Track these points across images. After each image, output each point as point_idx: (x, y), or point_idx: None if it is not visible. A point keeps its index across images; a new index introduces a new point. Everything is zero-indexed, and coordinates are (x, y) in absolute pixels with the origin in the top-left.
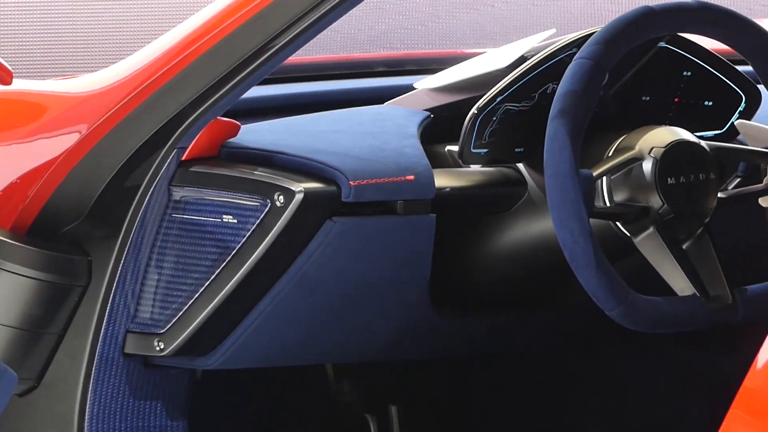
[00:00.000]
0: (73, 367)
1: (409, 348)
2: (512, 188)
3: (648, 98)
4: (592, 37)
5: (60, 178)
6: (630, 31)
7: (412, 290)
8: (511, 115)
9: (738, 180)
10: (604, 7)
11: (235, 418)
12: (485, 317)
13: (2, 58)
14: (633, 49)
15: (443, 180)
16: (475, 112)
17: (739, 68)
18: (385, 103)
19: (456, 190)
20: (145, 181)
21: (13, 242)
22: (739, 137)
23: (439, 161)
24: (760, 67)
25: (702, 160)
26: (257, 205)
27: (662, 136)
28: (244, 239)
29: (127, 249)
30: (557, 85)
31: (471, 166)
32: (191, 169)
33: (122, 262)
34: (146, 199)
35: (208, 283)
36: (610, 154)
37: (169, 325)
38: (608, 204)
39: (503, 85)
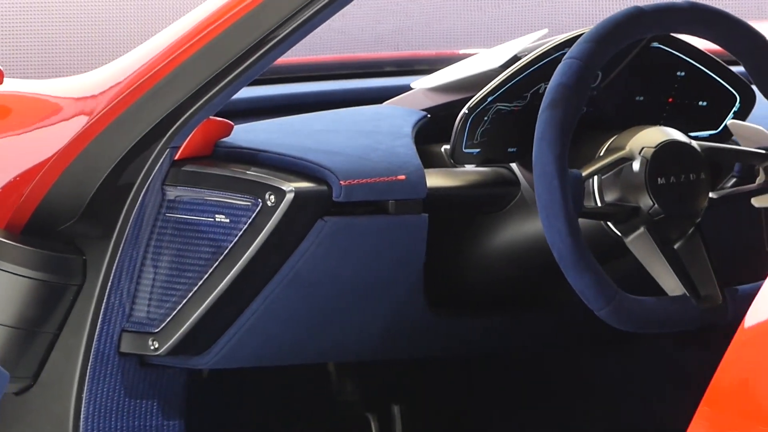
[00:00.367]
0: (68, 366)
1: (404, 347)
2: (505, 188)
3: (642, 98)
4: (581, 37)
5: (54, 177)
6: (619, 31)
7: (406, 290)
8: (502, 115)
9: (734, 180)
10: (610, 6)
11: (237, 418)
12: (480, 317)
13: None
14: (624, 48)
15: (436, 180)
16: (466, 112)
17: (733, 69)
18: (384, 103)
19: (448, 189)
20: (139, 180)
21: (7, 241)
22: (735, 137)
23: (435, 161)
24: (751, 67)
25: (692, 161)
26: (249, 205)
27: (653, 136)
28: (236, 239)
29: (121, 248)
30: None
31: (466, 166)
32: (184, 168)
33: (116, 261)
34: (140, 198)
35: (201, 282)
36: (601, 154)
37: (163, 325)
38: (599, 204)
39: (494, 85)
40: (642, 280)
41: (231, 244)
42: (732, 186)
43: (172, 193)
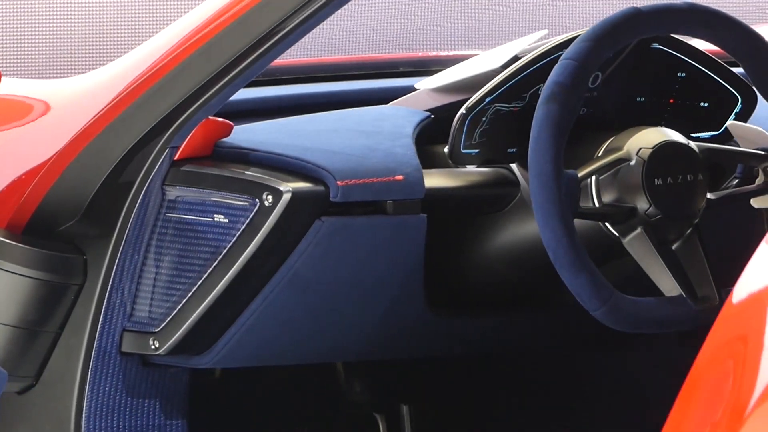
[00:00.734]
0: (70, 366)
1: (404, 347)
2: (505, 188)
3: (643, 99)
4: (578, 38)
5: (54, 177)
6: (616, 32)
7: (405, 290)
8: (501, 116)
9: (736, 181)
10: (620, 6)
11: (242, 418)
12: (480, 317)
13: None
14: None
15: (434, 180)
16: (464, 112)
17: (735, 70)
18: (389, 104)
19: (447, 190)
20: (139, 179)
21: (8, 241)
22: (735, 138)
23: (438, 162)
24: (750, 68)
25: (690, 161)
26: (246, 205)
27: (650, 137)
28: (235, 239)
29: (122, 248)
30: None
31: (467, 166)
32: (183, 168)
33: (117, 260)
34: (140, 198)
35: (200, 282)
36: (599, 154)
37: (164, 324)
38: (597, 204)
39: (492, 86)
40: (640, 281)
41: (229, 245)
42: (735, 187)
43: (172, 193)
